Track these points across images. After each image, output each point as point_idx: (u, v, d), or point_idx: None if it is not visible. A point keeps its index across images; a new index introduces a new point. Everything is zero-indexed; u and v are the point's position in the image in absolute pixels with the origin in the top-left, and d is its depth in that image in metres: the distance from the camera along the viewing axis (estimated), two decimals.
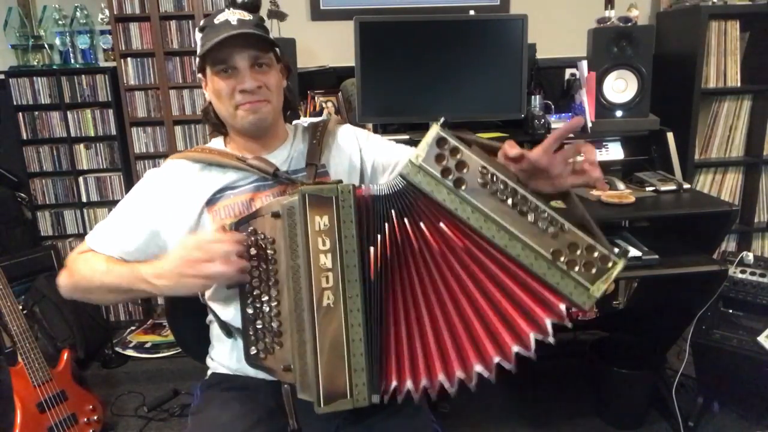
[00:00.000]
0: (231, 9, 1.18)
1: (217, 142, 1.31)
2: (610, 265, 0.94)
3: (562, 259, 0.94)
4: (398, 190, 1.00)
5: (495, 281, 0.98)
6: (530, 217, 0.94)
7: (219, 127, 1.28)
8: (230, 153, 1.24)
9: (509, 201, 0.94)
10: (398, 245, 1.01)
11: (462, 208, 0.95)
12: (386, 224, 1.00)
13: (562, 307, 0.96)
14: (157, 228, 1.19)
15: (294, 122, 1.37)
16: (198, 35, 1.20)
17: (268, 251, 1.03)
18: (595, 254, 0.94)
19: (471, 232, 0.96)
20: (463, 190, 0.95)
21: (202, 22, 1.20)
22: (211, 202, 1.19)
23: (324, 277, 0.99)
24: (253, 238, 1.03)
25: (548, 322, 0.96)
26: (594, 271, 0.94)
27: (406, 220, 1.00)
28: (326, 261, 0.99)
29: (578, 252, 0.94)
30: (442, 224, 0.98)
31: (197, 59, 1.20)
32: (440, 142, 0.95)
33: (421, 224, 0.99)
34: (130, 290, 1.11)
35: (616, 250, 0.95)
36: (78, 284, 1.17)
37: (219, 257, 0.98)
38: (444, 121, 0.96)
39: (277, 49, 1.22)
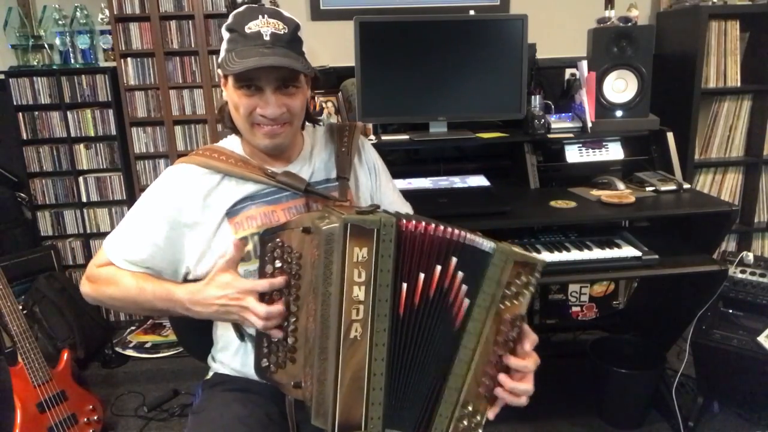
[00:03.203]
0: (265, 17, 1.09)
1: (234, 143, 1.25)
2: None
3: (468, 408, 1.02)
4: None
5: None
6: (483, 371, 1.01)
7: (235, 129, 1.21)
8: (257, 166, 1.19)
9: (500, 351, 1.01)
10: (427, 287, 1.00)
11: (481, 311, 1.00)
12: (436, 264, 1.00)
13: None
14: (179, 237, 1.16)
15: (308, 126, 1.31)
16: (225, 34, 1.12)
17: (293, 266, 1.02)
18: None
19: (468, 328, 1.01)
20: (498, 305, 1.00)
21: (231, 20, 1.11)
22: (231, 213, 1.17)
23: (355, 309, 0.96)
24: (278, 251, 1.02)
25: None
26: None
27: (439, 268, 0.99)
28: (359, 293, 0.96)
29: (474, 419, 1.03)
30: (467, 300, 1.00)
31: (220, 61, 1.12)
32: (528, 268, 1.00)
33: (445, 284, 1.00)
34: (166, 310, 1.12)
35: None
36: (105, 302, 1.18)
37: (265, 317, 1.00)
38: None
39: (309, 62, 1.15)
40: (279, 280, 1.01)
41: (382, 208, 1.25)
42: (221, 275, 1.04)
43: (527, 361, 1.02)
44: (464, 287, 1.00)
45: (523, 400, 1.03)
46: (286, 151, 1.22)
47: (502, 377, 1.01)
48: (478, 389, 1.02)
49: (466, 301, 1.00)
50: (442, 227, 0.99)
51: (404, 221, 0.98)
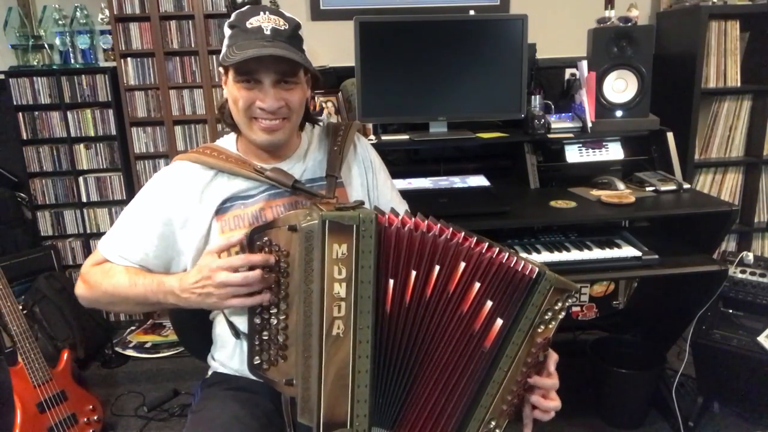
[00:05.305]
0: (266, 13, 1.11)
1: (229, 141, 1.26)
2: None
3: (491, 424, 1.05)
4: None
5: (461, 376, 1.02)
6: (509, 390, 1.04)
7: (234, 127, 1.22)
8: (247, 162, 1.20)
9: (527, 371, 1.05)
10: (421, 286, 0.99)
11: (520, 335, 1.02)
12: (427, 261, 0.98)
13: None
14: (171, 235, 1.17)
15: (307, 126, 1.31)
16: (227, 31, 1.14)
17: (282, 264, 1.01)
18: None
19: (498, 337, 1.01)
20: (535, 329, 1.03)
21: (233, 17, 1.13)
22: (219, 211, 1.17)
23: (336, 306, 0.96)
24: (267, 249, 1.02)
25: None
26: None
27: (437, 268, 0.98)
28: (340, 290, 0.96)
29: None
30: (499, 320, 1.00)
31: (221, 57, 1.12)
32: (566, 295, 1.04)
33: (449, 288, 0.99)
34: (158, 303, 1.11)
35: None
36: (100, 300, 1.17)
37: (242, 284, 0.99)
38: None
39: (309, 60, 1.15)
40: (257, 257, 1.00)
41: (377, 206, 1.25)
42: (201, 259, 1.05)
43: (553, 380, 1.07)
44: (489, 303, 0.99)
45: (551, 415, 1.09)
46: (281, 148, 1.22)
47: (536, 398, 1.06)
48: (502, 406, 1.04)
49: (499, 321, 0.99)
50: (438, 226, 0.99)
51: (387, 217, 0.98)
